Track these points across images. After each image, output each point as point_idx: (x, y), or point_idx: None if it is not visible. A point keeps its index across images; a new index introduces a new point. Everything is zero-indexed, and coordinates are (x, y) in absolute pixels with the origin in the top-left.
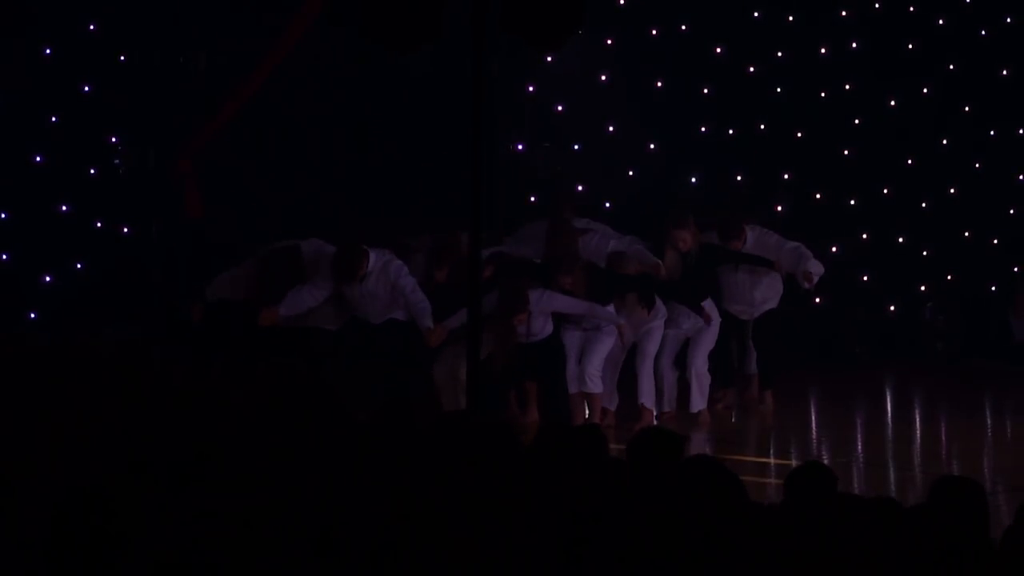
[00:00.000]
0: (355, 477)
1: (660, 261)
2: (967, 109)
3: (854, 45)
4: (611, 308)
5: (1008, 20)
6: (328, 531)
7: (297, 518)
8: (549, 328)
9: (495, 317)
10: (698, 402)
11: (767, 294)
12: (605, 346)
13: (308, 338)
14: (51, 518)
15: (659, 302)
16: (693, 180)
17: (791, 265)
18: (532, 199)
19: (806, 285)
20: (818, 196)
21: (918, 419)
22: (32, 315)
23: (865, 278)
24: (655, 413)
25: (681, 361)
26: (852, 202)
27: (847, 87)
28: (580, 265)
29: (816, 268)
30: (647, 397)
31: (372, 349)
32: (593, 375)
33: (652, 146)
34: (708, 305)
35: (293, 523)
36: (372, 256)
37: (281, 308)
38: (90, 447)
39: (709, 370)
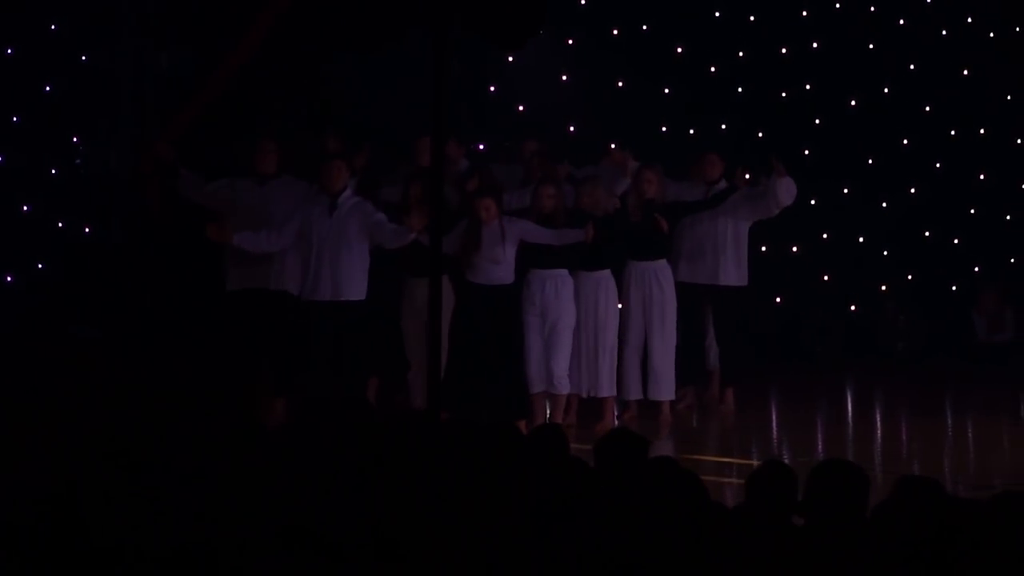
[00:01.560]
0: (328, 477)
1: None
2: (927, 109)
3: (815, 45)
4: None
5: (969, 20)
6: (301, 528)
7: (270, 516)
8: (510, 272)
9: (461, 243)
10: (659, 392)
11: (733, 245)
12: (566, 341)
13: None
14: (25, 518)
15: (612, 287)
16: None
17: (760, 194)
18: None
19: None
20: None
21: (879, 418)
22: None
23: (826, 278)
24: (616, 412)
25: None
26: (812, 202)
27: (808, 87)
28: (560, 188)
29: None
30: (607, 391)
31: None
32: (561, 376)
33: (613, 146)
34: (667, 279)
35: (266, 521)
36: (348, 189)
37: (236, 237)
38: (62, 446)
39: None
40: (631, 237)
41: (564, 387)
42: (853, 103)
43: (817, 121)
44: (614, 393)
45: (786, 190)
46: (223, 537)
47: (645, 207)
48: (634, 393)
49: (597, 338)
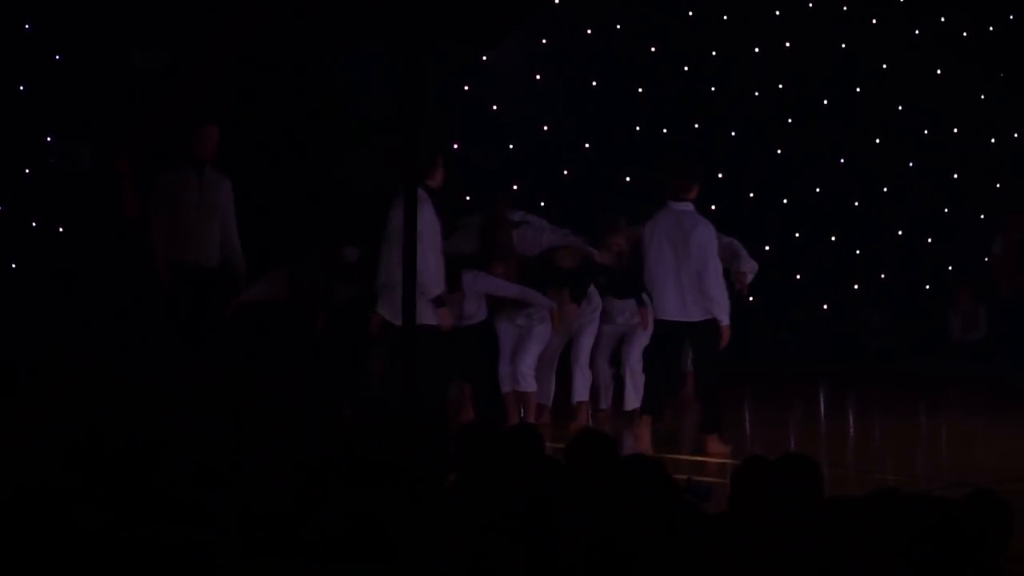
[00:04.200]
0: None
1: (595, 251)
2: (900, 108)
3: (787, 44)
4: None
5: (942, 19)
6: (283, 528)
7: (265, 516)
8: (483, 313)
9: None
10: (632, 400)
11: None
12: (538, 344)
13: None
14: (18, 517)
15: (595, 295)
16: (628, 179)
17: (725, 260)
18: (467, 198)
19: (738, 287)
20: (751, 195)
21: (852, 417)
22: None
23: (798, 277)
24: (590, 412)
25: (617, 358)
26: (785, 201)
27: (780, 86)
28: (513, 257)
29: (749, 267)
30: (582, 394)
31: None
32: (526, 373)
33: (587, 145)
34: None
35: (261, 521)
36: None
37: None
38: (51, 445)
39: (644, 368)
40: (608, 280)
41: (529, 385)
42: (825, 102)
43: (789, 120)
44: (586, 398)
45: (749, 268)
46: (219, 538)
47: (618, 260)
48: (605, 403)
49: (573, 342)
